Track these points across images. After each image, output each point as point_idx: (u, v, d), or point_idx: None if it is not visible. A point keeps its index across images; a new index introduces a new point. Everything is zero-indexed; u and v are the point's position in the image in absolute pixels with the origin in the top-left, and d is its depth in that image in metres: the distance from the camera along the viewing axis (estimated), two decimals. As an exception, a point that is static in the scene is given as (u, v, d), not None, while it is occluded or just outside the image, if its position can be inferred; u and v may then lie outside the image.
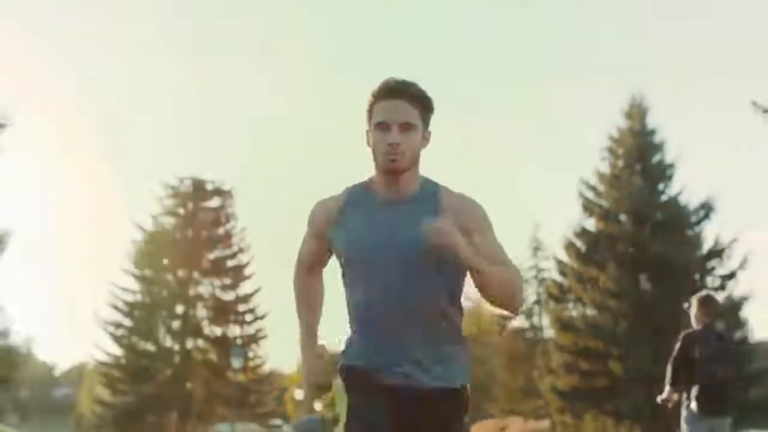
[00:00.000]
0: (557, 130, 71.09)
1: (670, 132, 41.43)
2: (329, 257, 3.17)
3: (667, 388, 6.74)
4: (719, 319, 7.42)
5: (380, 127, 2.94)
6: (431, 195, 3.01)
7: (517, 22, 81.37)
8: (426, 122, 3.00)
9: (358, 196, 3.06)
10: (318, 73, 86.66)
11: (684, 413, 6.62)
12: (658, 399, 6.84)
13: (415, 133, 2.94)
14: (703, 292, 6.89)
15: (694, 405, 6.45)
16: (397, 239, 2.94)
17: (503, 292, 2.88)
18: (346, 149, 77.57)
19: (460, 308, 3.06)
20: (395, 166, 2.93)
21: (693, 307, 6.80)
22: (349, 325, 3.10)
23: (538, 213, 76.00)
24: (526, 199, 68.50)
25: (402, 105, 2.93)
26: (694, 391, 6.50)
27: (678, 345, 6.75)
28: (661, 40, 70.65)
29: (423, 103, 2.97)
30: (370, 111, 2.99)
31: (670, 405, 6.76)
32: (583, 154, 64.26)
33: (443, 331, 2.97)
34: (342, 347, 3.10)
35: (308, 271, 3.23)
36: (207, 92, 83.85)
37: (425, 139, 3.01)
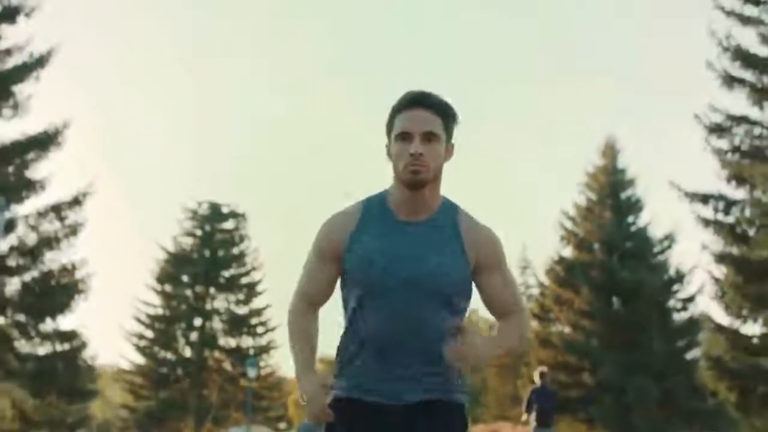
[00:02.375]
0: (554, 138, 76.26)
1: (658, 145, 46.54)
2: (334, 286, 3.06)
3: (524, 414, 12.87)
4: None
5: (402, 137, 2.91)
6: (451, 219, 2.98)
7: (515, 24, 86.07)
8: (449, 134, 2.97)
9: (375, 212, 2.99)
10: (319, 77, 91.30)
11: (531, 426, 12.70)
12: (522, 419, 13.10)
13: (438, 143, 2.91)
14: (541, 368, 13.32)
15: (533, 422, 12.57)
16: (419, 267, 2.90)
17: (515, 352, 3.10)
18: (352, 161, 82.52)
19: None
20: (418, 178, 2.88)
21: (536, 375, 13.09)
22: (343, 351, 3.05)
23: (530, 227, 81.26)
24: (518, 216, 73.55)
25: (424, 114, 2.90)
26: (534, 415, 12.60)
27: (528, 394, 13.07)
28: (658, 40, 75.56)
29: (446, 113, 2.96)
30: (391, 123, 2.96)
31: (527, 422, 13.00)
32: (577, 168, 69.17)
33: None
34: (336, 373, 3.06)
35: (309, 307, 3.06)
36: (208, 101, 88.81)
37: (448, 152, 2.98)
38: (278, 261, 71.62)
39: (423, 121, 2.90)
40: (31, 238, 21.19)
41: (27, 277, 21.30)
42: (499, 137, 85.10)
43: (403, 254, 2.91)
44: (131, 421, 41.33)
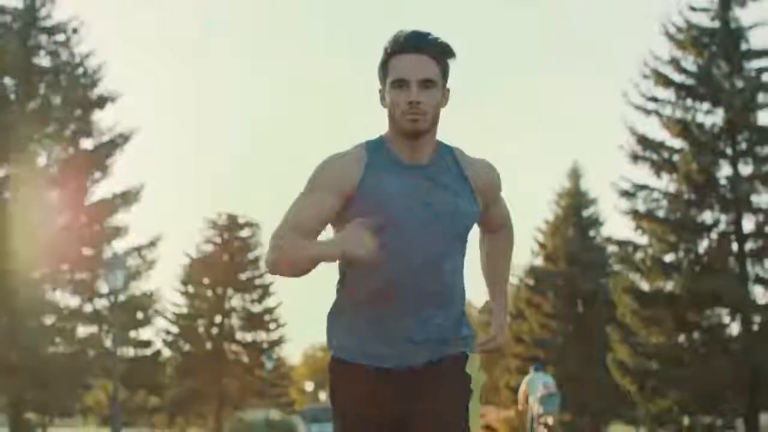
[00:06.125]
0: (547, 131, 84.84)
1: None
2: (326, 226, 3.11)
3: None
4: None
5: (398, 84, 3.01)
6: (452, 160, 3.15)
7: (518, 16, 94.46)
8: (445, 77, 3.09)
9: (379, 156, 3.09)
10: (319, 73, 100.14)
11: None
12: None
13: (435, 90, 3.03)
14: None
15: None
16: (439, 207, 3.06)
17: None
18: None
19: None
20: (417, 126, 3.00)
21: None
22: (342, 303, 3.16)
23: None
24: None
25: (421, 59, 3.01)
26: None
27: None
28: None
29: (443, 56, 3.06)
30: (385, 67, 3.07)
31: None
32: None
33: (460, 300, 3.15)
34: (335, 331, 3.18)
35: (301, 238, 3.00)
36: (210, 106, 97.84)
37: (445, 97, 3.10)
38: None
39: (420, 68, 3.00)
40: (120, 272, 30.84)
41: (114, 299, 30.95)
42: (496, 127, 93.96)
43: (420, 194, 3.05)
44: (160, 407, 50.23)
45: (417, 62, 3.02)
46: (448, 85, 3.13)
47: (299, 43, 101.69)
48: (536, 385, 19.17)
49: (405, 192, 3.05)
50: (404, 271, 3.05)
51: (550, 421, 18.80)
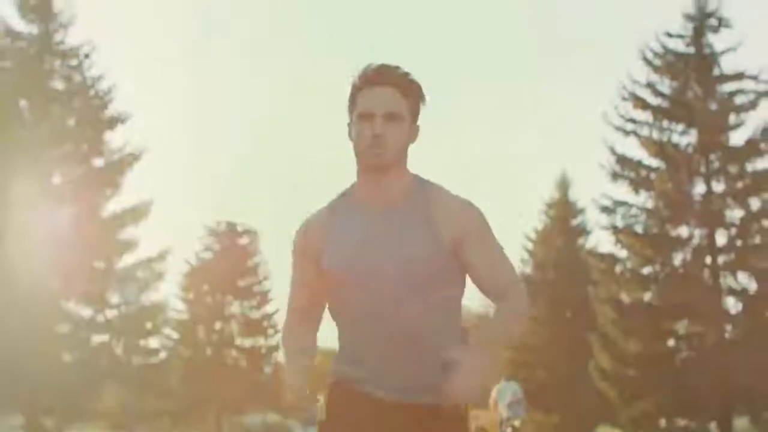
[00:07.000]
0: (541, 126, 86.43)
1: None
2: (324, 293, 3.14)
3: None
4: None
5: (363, 117, 2.99)
6: (423, 200, 3.03)
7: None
8: (414, 114, 3.06)
9: (343, 207, 3.10)
10: (315, 78, 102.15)
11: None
12: None
13: (401, 124, 3.00)
14: None
15: None
16: (389, 256, 2.97)
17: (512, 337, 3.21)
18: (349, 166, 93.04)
19: (458, 315, 3.12)
20: (379, 161, 2.98)
21: None
22: (339, 350, 3.18)
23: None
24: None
25: (387, 92, 3.00)
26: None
27: None
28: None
29: (411, 92, 3.04)
30: (353, 101, 3.06)
31: None
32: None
33: (441, 346, 2.98)
34: (332, 366, 3.19)
35: (302, 322, 3.21)
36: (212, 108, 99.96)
37: (413, 133, 3.07)
38: (285, 272, 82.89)
39: (385, 101, 2.99)
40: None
41: (125, 310, 33.39)
42: (487, 135, 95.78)
43: (372, 245, 3.00)
44: (161, 411, 52.13)
45: (383, 95, 3.02)
46: (419, 122, 3.12)
47: (316, 60, 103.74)
48: (505, 393, 21.48)
49: (359, 244, 3.06)
50: (370, 326, 3.04)
51: (517, 423, 21.37)
